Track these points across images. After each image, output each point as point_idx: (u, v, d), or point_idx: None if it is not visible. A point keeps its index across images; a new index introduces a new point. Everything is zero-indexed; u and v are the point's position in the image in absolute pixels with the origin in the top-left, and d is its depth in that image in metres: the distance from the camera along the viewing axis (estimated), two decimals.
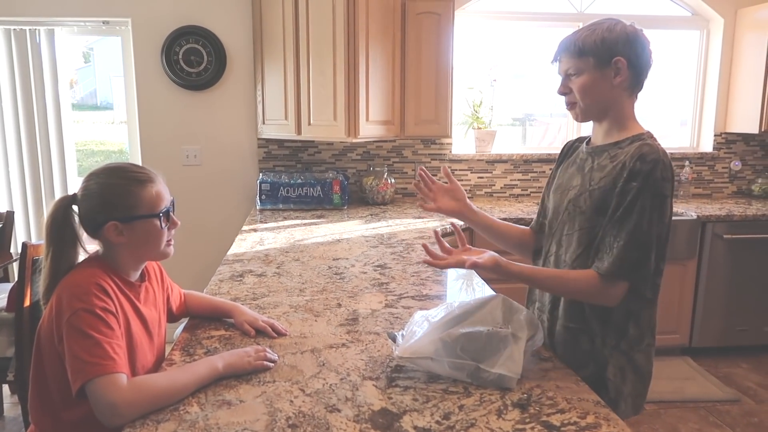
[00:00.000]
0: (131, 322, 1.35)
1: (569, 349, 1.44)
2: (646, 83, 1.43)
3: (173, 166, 3.56)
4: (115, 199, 1.33)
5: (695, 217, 3.36)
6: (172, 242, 1.43)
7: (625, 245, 1.30)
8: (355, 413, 1.14)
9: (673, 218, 1.42)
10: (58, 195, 3.55)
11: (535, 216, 1.69)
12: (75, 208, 1.36)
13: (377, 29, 3.14)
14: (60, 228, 1.34)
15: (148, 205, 1.35)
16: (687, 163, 3.90)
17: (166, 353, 1.44)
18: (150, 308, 1.45)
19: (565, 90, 1.44)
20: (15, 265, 3.32)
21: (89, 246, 1.40)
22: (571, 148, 1.60)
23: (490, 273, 1.35)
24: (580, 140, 1.57)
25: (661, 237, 1.33)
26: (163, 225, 1.38)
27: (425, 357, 1.23)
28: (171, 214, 1.42)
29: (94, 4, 3.35)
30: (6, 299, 2.48)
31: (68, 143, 3.60)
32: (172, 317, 1.63)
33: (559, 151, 1.65)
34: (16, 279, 3.16)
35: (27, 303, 2.27)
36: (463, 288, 1.99)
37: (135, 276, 1.42)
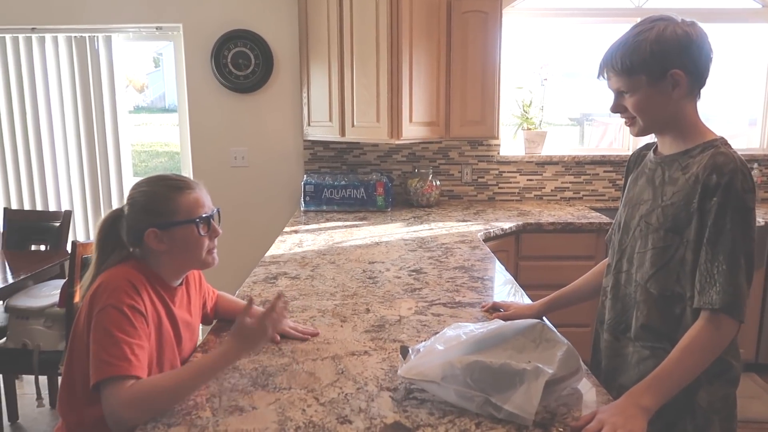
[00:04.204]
0: (162, 322, 1.36)
1: (647, 374, 1.24)
2: (710, 79, 1.28)
3: (222, 168, 3.63)
4: (154, 206, 1.36)
5: (763, 223, 3.12)
6: (215, 251, 1.44)
7: (729, 270, 1.16)
8: (367, 426, 1.10)
9: None
10: (115, 196, 3.70)
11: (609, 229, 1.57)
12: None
13: (421, 29, 3.09)
14: (105, 238, 1.40)
15: (185, 212, 1.37)
16: (756, 165, 3.65)
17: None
18: (184, 312, 1.46)
19: (618, 109, 1.33)
20: None
21: None
22: (638, 157, 1.49)
23: None
24: (646, 147, 1.46)
25: (749, 255, 1.18)
26: (202, 232, 1.38)
27: (430, 381, 1.14)
28: (212, 221, 1.42)
29: (147, 11, 3.46)
30: (59, 295, 2.58)
31: (124, 146, 3.73)
32: (208, 320, 1.64)
33: (617, 153, 1.53)
34: None
35: (77, 299, 2.36)
36: (507, 297, 1.90)
37: (176, 283, 1.44)
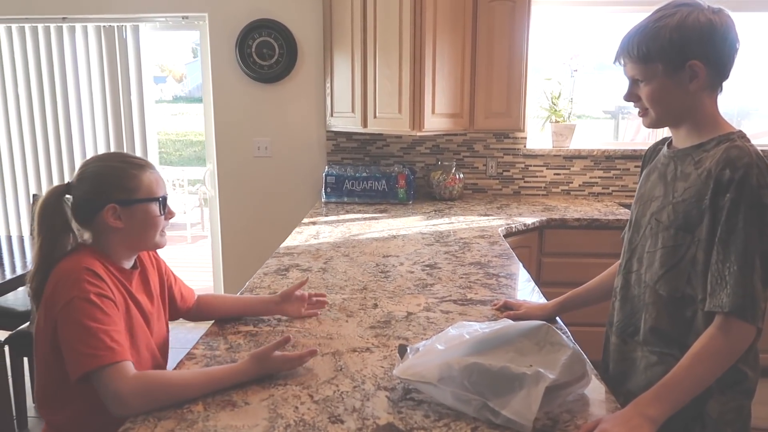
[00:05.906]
0: (129, 306, 1.33)
1: (655, 380, 1.17)
2: (734, 71, 1.20)
3: (245, 158, 3.63)
4: (115, 181, 1.32)
5: None
6: (165, 233, 1.42)
7: (741, 271, 1.09)
8: (359, 426, 1.06)
9: None
10: None
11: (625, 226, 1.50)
12: (68, 197, 1.34)
13: (446, 18, 3.02)
14: (51, 217, 1.31)
15: (147, 190, 1.35)
16: None
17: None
18: (143, 296, 1.41)
19: (631, 98, 1.26)
20: None
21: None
22: (653, 151, 1.42)
23: None
24: (662, 142, 1.39)
25: (766, 255, 1.10)
26: (162, 211, 1.37)
27: (426, 382, 1.10)
28: (167, 204, 1.41)
29: (174, 0, 3.48)
30: None
31: (151, 134, 3.77)
32: (176, 312, 1.57)
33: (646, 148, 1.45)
34: None
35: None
36: (524, 295, 1.84)
37: (128, 265, 1.39)
